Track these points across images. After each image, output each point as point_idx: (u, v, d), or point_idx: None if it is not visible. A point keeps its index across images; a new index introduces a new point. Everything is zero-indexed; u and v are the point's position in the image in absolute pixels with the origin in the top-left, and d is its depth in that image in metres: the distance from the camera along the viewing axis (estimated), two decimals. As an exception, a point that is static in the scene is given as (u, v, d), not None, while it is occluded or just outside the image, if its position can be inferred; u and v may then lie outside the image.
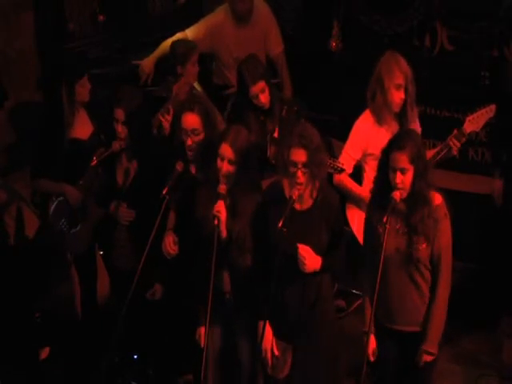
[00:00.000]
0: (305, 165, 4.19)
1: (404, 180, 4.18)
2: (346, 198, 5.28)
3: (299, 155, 4.19)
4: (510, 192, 5.64)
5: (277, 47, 6.40)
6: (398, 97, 5.05)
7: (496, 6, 5.85)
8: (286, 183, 4.35)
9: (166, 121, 5.32)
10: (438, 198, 4.27)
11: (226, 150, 4.37)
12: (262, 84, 5.26)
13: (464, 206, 5.51)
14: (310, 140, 4.21)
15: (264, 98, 5.29)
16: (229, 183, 4.39)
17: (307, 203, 4.34)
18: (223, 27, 6.27)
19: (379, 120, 5.14)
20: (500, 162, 5.80)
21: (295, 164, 4.20)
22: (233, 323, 4.59)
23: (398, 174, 4.17)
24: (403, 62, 5.07)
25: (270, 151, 5.29)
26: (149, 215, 4.59)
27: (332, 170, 5.02)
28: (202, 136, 4.73)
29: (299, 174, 4.20)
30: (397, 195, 4.17)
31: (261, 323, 4.36)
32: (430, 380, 4.47)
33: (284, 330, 4.47)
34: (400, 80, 5.03)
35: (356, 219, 5.19)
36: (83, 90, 5.28)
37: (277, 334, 4.47)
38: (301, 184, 4.22)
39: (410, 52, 5.70)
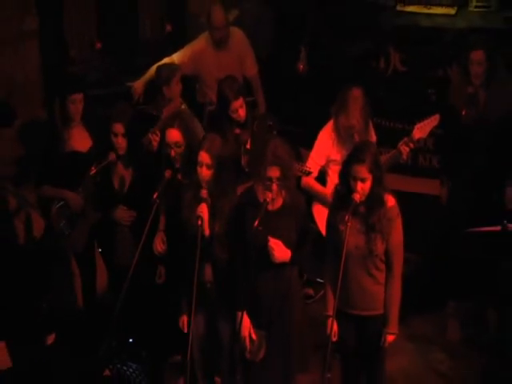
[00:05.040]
0: (278, 179, 4.43)
1: (364, 187, 4.40)
2: (312, 198, 5.51)
3: (274, 172, 4.41)
4: (454, 193, 5.72)
5: (252, 69, 6.64)
6: (357, 122, 5.32)
7: (440, 34, 6.24)
8: (259, 188, 4.56)
9: (154, 141, 5.38)
10: (391, 200, 4.49)
11: (204, 156, 4.52)
12: (241, 100, 5.51)
13: (414, 205, 5.73)
14: (283, 157, 4.41)
15: (242, 112, 5.53)
16: (209, 187, 4.57)
17: (277, 204, 4.57)
18: (204, 52, 6.48)
19: (338, 135, 5.42)
20: (446, 167, 5.91)
21: (270, 179, 4.42)
22: (214, 310, 4.74)
23: (359, 182, 4.38)
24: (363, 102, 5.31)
25: (244, 160, 5.54)
26: (146, 216, 4.71)
27: (300, 173, 5.28)
28: (183, 147, 4.89)
29: (274, 186, 4.44)
30: (357, 197, 4.39)
31: (239, 313, 4.53)
32: (385, 357, 4.73)
33: (259, 317, 4.62)
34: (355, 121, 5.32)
35: (321, 216, 5.27)
36: (74, 106, 5.36)
37: (253, 322, 4.62)
38: (274, 192, 4.48)
39: (367, 72, 6.21)
